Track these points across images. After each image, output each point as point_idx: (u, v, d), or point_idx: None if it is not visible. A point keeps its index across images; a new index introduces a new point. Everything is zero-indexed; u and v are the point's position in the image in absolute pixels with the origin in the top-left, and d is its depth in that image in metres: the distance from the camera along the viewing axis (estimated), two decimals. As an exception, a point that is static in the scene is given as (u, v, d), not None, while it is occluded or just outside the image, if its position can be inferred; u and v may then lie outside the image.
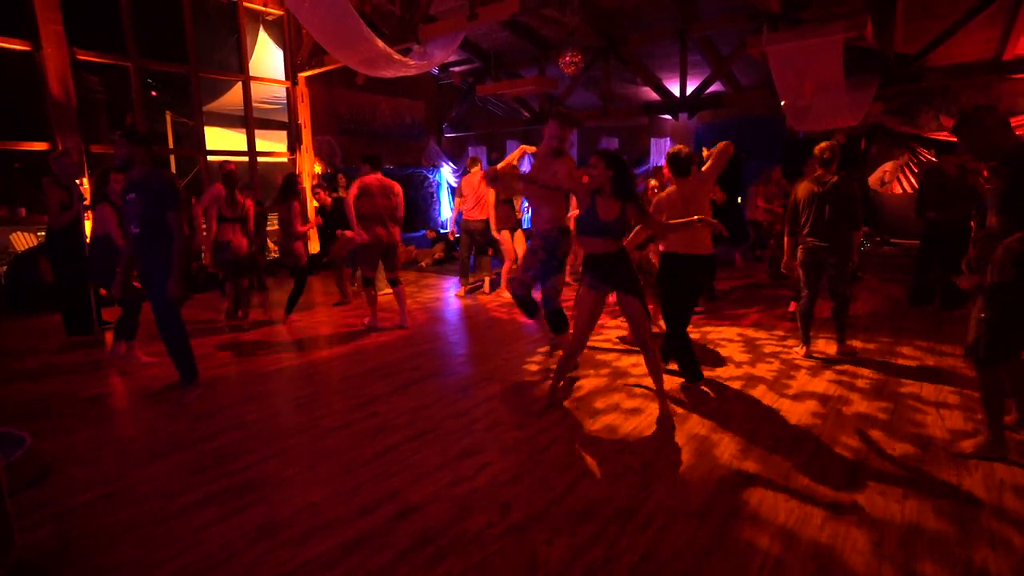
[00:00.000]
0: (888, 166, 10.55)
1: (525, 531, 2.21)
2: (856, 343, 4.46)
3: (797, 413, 3.28)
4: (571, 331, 3.60)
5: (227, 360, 4.56)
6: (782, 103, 7.28)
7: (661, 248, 3.80)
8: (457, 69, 10.79)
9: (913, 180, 10.13)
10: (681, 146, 3.78)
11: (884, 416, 3.22)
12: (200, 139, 8.37)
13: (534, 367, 4.21)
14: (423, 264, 9.67)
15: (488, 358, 4.48)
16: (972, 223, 5.29)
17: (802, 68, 6.27)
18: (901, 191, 10.40)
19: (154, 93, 8.95)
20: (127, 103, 7.78)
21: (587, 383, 3.83)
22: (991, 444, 2.71)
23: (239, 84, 8.83)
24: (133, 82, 7.53)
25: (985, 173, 6.19)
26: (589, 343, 4.74)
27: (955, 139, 8.25)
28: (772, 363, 4.18)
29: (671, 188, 3.73)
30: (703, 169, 3.73)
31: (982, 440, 2.74)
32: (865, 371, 3.96)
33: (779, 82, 6.71)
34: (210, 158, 8.39)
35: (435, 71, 10.88)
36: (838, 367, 4.03)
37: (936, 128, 8.76)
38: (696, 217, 3.29)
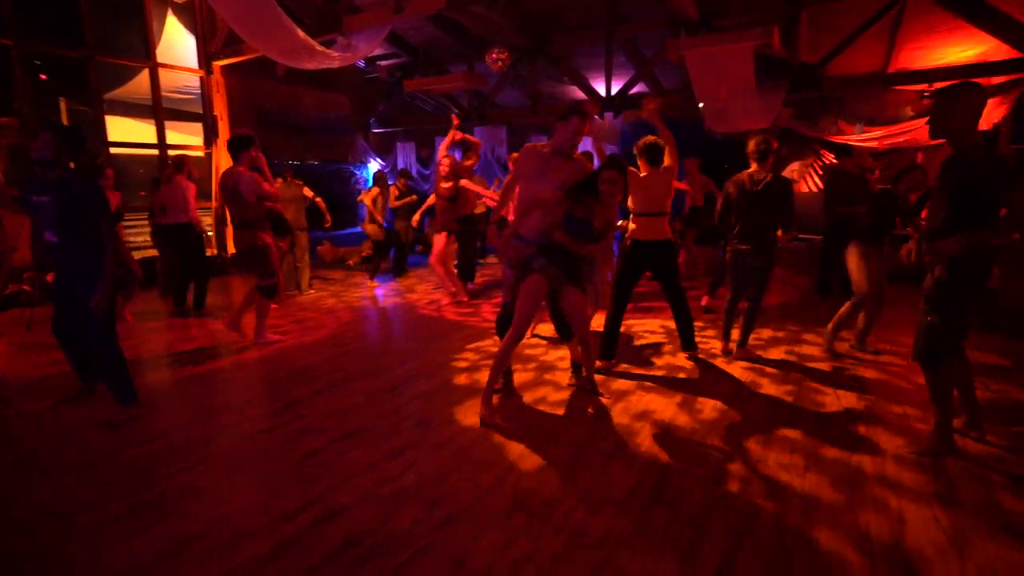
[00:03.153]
0: (795, 165, 11.34)
1: (453, 527, 2.21)
2: (767, 331, 4.78)
3: (713, 400, 3.47)
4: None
5: (135, 369, 4.25)
6: (700, 105, 7.66)
7: (628, 235, 4.08)
8: (384, 63, 10.56)
9: (818, 180, 10.95)
10: (655, 138, 4.01)
11: (790, 399, 3.47)
12: (101, 129, 7.73)
13: (463, 363, 4.21)
14: (350, 263, 9.42)
15: (416, 356, 4.43)
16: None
17: (717, 72, 6.62)
18: (807, 190, 11.21)
19: (44, 77, 8.15)
20: (9, 87, 7.03)
21: (515, 378, 3.87)
22: (939, 442, 2.71)
23: (146, 71, 8.22)
24: (15, 63, 6.81)
25: (877, 173, 6.83)
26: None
27: (852, 142, 8.93)
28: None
29: (644, 173, 3.99)
30: (666, 164, 3.93)
31: (932, 439, 2.74)
32: (775, 357, 4.25)
33: (697, 85, 7.05)
34: (113, 150, 7.77)
35: (361, 64, 10.61)
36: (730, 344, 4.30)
37: (835, 132, 9.49)
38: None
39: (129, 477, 2.65)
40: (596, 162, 3.47)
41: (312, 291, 7.08)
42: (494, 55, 7.31)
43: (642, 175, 4.00)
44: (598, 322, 4.33)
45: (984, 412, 2.92)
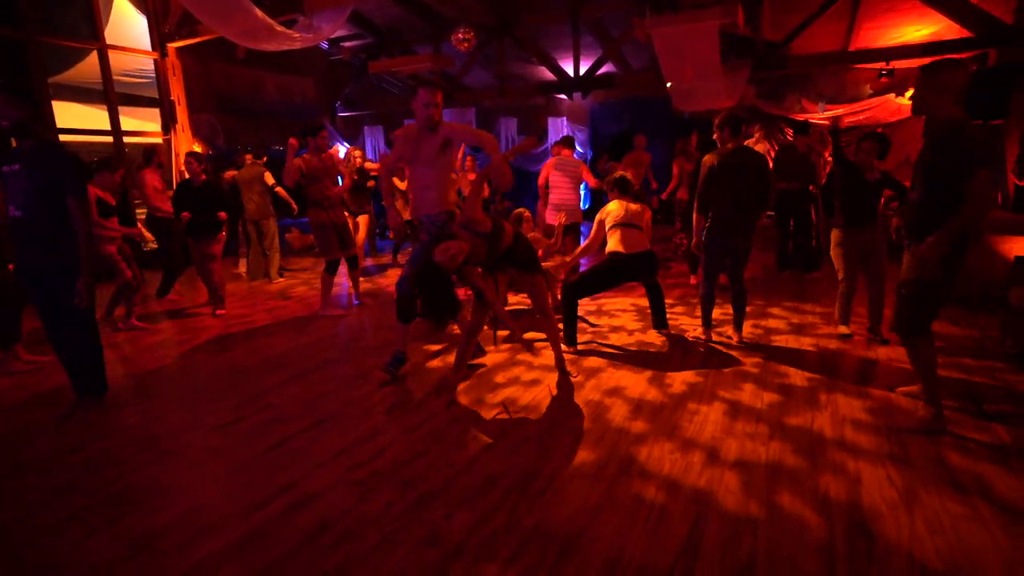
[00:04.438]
0: (761, 147, 11.51)
1: (425, 508, 2.23)
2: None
3: (683, 374, 3.54)
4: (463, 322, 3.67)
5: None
6: (668, 85, 7.69)
7: (607, 249, 4.15)
8: (348, 44, 10.31)
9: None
10: (623, 172, 4.39)
11: (755, 370, 3.57)
12: (47, 115, 7.38)
13: (435, 347, 4.20)
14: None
15: (389, 342, 4.40)
16: (811, 195, 6.00)
17: (683, 51, 6.64)
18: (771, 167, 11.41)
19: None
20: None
21: (487, 359, 3.89)
22: (933, 419, 2.70)
23: (95, 53, 7.86)
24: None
25: (827, 155, 6.99)
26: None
27: (814, 120, 9.05)
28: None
29: (621, 202, 4.19)
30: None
31: (925, 416, 2.73)
32: (742, 332, 4.34)
33: (664, 64, 7.06)
34: (63, 137, 7.43)
35: (324, 46, 10.33)
36: (719, 329, 4.38)
37: (799, 110, 9.66)
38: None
39: (90, 474, 2.59)
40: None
41: (282, 279, 6.95)
42: (460, 35, 7.21)
43: (614, 204, 4.19)
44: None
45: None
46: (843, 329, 4.10)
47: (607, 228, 4.16)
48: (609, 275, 4.10)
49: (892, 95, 8.68)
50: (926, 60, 7.47)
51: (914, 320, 2.66)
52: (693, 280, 5.91)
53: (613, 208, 4.18)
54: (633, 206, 4.16)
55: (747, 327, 4.37)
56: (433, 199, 3.46)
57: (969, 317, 4.47)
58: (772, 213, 6.42)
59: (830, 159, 6.96)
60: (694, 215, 3.99)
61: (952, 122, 2.50)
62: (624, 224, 4.07)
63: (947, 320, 4.41)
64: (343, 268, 5.80)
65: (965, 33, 6.58)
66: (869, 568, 1.84)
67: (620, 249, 4.01)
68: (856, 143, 4.06)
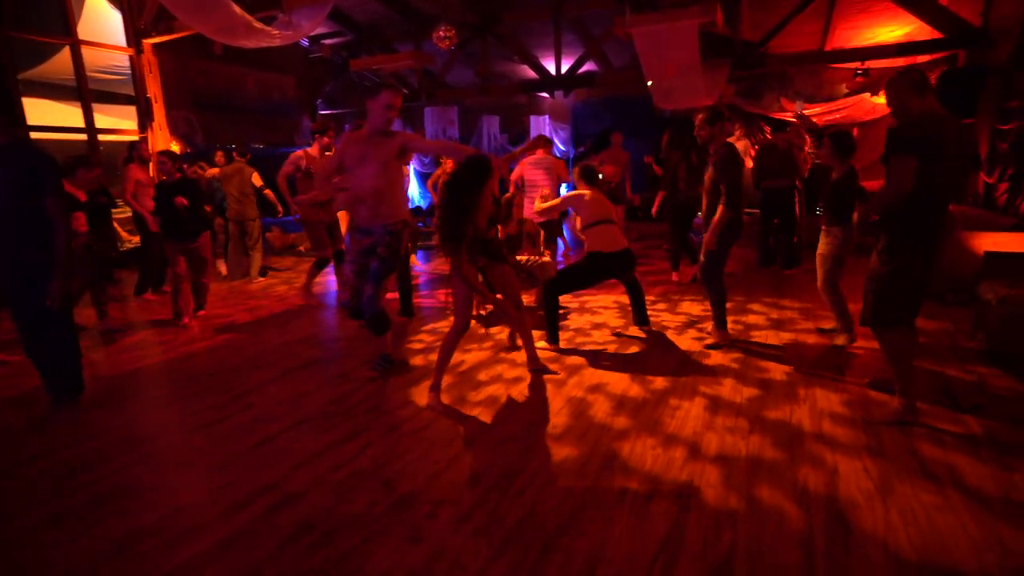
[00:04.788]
0: (741, 145, 11.65)
1: (409, 506, 2.22)
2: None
3: (664, 370, 3.58)
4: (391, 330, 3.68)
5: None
6: (648, 83, 7.75)
7: (586, 249, 4.13)
8: (329, 42, 10.21)
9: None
10: (590, 164, 4.33)
11: (736, 365, 3.61)
12: (18, 112, 7.19)
13: (418, 345, 4.19)
14: (301, 249, 9.17)
15: (370, 340, 4.37)
16: (796, 191, 6.08)
17: (663, 50, 6.70)
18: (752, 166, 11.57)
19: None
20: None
21: (470, 357, 3.89)
22: (905, 410, 2.74)
23: (67, 49, 7.68)
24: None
25: (807, 149, 7.11)
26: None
27: (791, 119, 9.19)
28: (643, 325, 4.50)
29: (589, 193, 4.11)
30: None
31: (897, 407, 2.77)
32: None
33: (644, 63, 7.12)
34: (34, 134, 7.25)
35: (305, 43, 10.22)
36: (699, 325, 4.43)
37: (777, 109, 9.79)
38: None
39: (69, 477, 2.54)
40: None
41: (262, 278, 6.87)
42: (441, 33, 7.18)
43: (589, 195, 4.10)
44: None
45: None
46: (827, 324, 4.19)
47: (583, 226, 4.10)
48: (589, 274, 4.12)
49: (867, 94, 8.85)
50: (900, 60, 7.66)
51: (882, 312, 2.69)
52: (675, 277, 5.96)
53: (591, 199, 4.08)
54: (602, 197, 4.16)
55: (728, 323, 4.41)
56: (387, 208, 3.35)
57: (942, 311, 4.58)
58: (756, 210, 6.51)
59: (809, 153, 7.10)
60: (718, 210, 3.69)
61: (912, 115, 2.54)
62: (603, 221, 4.06)
63: (921, 315, 4.49)
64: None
65: (937, 34, 6.74)
66: (846, 559, 1.88)
67: (601, 248, 4.01)
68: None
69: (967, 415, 2.83)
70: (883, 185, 2.56)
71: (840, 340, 3.86)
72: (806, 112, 9.29)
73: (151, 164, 6.99)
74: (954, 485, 2.25)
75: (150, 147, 8.40)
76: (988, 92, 5.88)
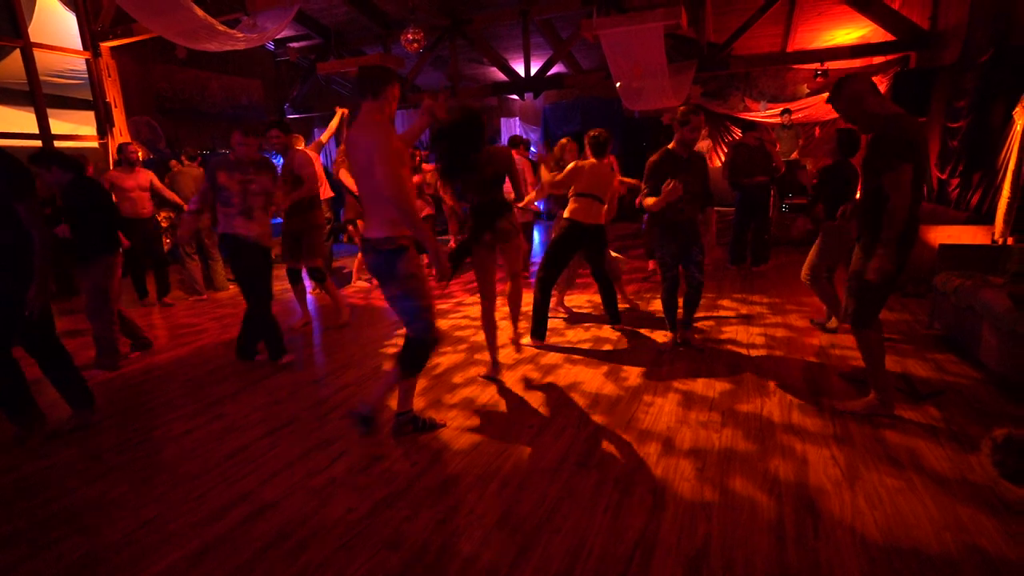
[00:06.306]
0: (704, 144, 11.90)
1: (386, 511, 2.21)
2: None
3: (638, 368, 3.63)
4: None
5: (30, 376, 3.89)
6: (617, 84, 7.85)
7: (566, 214, 4.20)
8: (296, 45, 10.07)
9: (723, 155, 11.56)
10: (601, 130, 4.22)
11: (708, 361, 3.68)
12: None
13: (393, 349, 4.16)
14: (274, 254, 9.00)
15: (344, 345, 4.34)
16: (771, 188, 6.23)
17: (630, 52, 6.80)
18: (718, 164, 11.81)
19: None
20: None
21: (445, 360, 3.88)
22: (879, 403, 2.79)
23: (18, 52, 7.39)
24: None
25: (779, 146, 7.30)
26: (446, 321, 4.80)
27: (756, 119, 9.45)
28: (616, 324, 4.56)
29: (590, 160, 4.16)
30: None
31: (871, 399, 2.81)
32: (695, 324, 4.48)
33: (612, 65, 7.21)
34: (-14, 141, 6.98)
35: (271, 46, 10.06)
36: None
37: (742, 109, 10.03)
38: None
39: (23, 496, 2.45)
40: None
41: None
42: (409, 35, 7.14)
43: (589, 164, 4.14)
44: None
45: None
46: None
47: (574, 192, 4.15)
48: (565, 242, 4.17)
49: (827, 94, 9.14)
50: (856, 61, 7.91)
51: (865, 313, 2.75)
52: (651, 265, 6.11)
53: (588, 171, 4.10)
54: (604, 171, 4.17)
55: (699, 322, 4.53)
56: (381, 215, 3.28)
57: (900, 302, 4.75)
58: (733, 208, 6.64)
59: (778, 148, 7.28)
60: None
61: (877, 118, 2.56)
62: (593, 196, 4.12)
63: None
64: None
65: (890, 37, 6.99)
66: (816, 544, 1.93)
67: (582, 219, 4.11)
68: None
69: (926, 402, 2.94)
70: (891, 200, 2.46)
71: (832, 324, 4.14)
72: (770, 110, 9.54)
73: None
74: (916, 469, 2.34)
75: (110, 152, 8.15)
76: (938, 91, 6.12)
